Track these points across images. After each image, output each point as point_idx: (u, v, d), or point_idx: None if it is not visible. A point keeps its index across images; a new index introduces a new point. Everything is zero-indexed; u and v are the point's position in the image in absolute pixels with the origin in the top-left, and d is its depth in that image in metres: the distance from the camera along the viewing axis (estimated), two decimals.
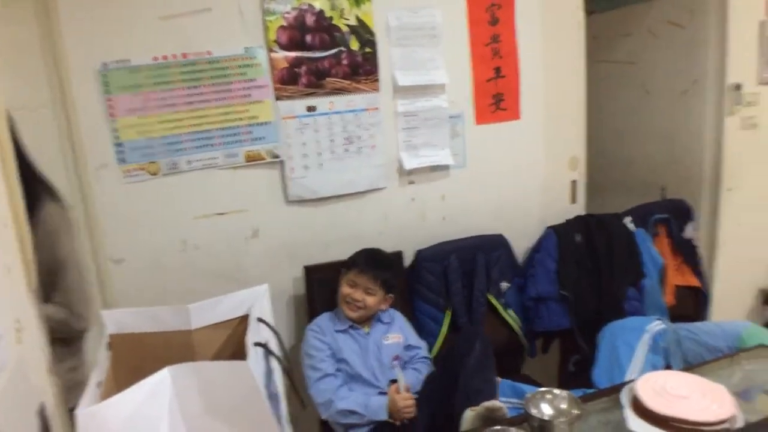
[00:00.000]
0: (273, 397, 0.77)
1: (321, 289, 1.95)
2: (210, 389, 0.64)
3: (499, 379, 1.91)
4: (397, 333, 1.88)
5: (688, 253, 2.46)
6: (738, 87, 2.65)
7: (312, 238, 2.02)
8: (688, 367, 1.72)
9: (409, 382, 1.76)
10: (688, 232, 2.47)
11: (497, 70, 2.18)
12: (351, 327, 1.83)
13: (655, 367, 1.92)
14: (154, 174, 1.80)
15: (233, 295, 0.82)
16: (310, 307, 1.97)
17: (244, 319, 0.76)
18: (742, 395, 1.52)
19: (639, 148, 3.10)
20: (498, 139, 2.22)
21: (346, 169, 2.01)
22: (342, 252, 2.02)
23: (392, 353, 1.84)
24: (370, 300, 1.81)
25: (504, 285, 2.14)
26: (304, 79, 1.90)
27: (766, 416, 1.24)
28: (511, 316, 2.13)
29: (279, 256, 1.99)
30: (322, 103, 1.94)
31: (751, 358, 1.70)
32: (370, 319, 1.86)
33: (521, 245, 2.31)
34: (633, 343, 1.99)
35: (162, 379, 0.63)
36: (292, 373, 0.80)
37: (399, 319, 1.94)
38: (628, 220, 2.33)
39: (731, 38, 2.59)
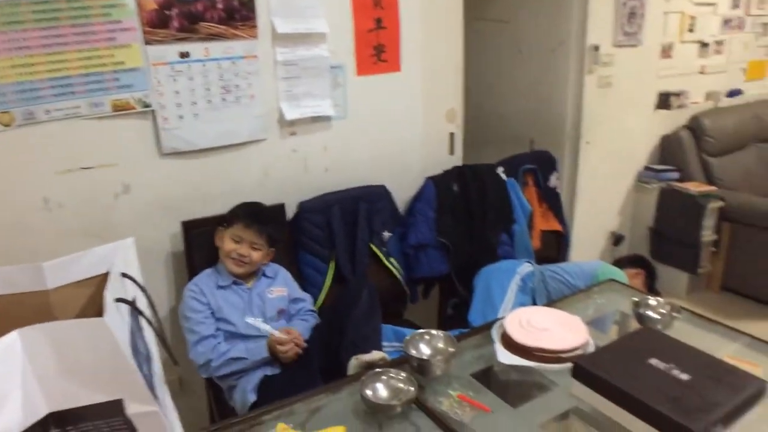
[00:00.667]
0: (144, 356, 0.75)
1: (200, 244, 1.88)
2: (67, 351, 0.60)
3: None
4: (281, 286, 1.88)
5: (552, 201, 2.69)
6: (596, 48, 2.88)
7: (189, 192, 1.93)
8: (551, 302, 1.90)
9: (300, 332, 1.77)
10: (553, 181, 2.70)
11: (378, 21, 2.17)
12: (234, 282, 1.80)
13: (523, 306, 2.09)
14: (7, 125, 1.60)
15: (94, 251, 0.76)
16: (189, 264, 1.90)
17: (108, 276, 0.72)
18: (594, 324, 1.73)
19: (511, 103, 3.29)
20: (379, 91, 2.24)
21: (224, 119, 1.92)
22: (221, 206, 1.95)
23: (277, 307, 1.83)
24: (256, 255, 1.78)
25: (386, 234, 2.20)
26: (175, 23, 1.76)
27: (612, 341, 1.41)
28: (393, 264, 2.20)
29: (154, 212, 1.88)
30: (196, 49, 1.82)
31: (603, 292, 1.92)
32: (253, 274, 1.84)
33: (402, 195, 2.38)
34: (505, 284, 2.16)
35: (11, 343, 0.57)
36: (162, 330, 0.77)
37: (282, 272, 1.93)
38: (500, 170, 2.49)
39: (591, 2, 2.79)
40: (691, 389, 1.17)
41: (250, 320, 1.73)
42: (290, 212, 2.11)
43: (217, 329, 1.73)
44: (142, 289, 0.76)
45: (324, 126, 2.15)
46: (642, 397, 1.15)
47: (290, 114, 2.03)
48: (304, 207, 2.07)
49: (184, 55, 1.80)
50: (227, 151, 1.97)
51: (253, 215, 1.81)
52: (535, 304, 2.15)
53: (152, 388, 0.70)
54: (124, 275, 0.74)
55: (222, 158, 1.96)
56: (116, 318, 0.64)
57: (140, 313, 0.72)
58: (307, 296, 1.95)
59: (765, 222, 3.06)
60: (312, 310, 1.94)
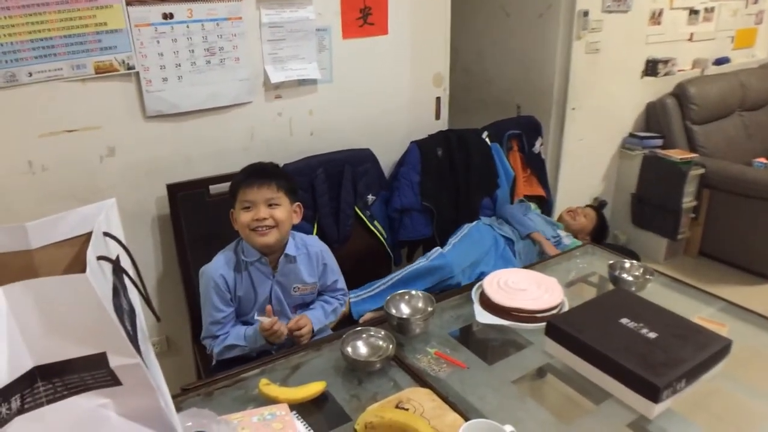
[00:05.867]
0: (127, 312, 0.77)
1: (186, 207, 1.90)
2: (50, 307, 0.62)
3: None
4: (312, 280, 1.65)
5: (536, 166, 2.72)
6: (586, 13, 2.86)
7: (174, 155, 1.94)
8: (529, 264, 1.95)
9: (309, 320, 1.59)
10: (537, 146, 2.72)
11: None
12: (259, 260, 1.57)
13: (480, 232, 2.27)
14: None
15: (77, 211, 0.78)
16: (175, 226, 1.92)
17: (90, 236, 0.74)
18: (570, 285, 1.78)
19: (498, 68, 3.28)
20: (365, 54, 2.22)
21: (209, 82, 1.91)
22: (206, 169, 1.97)
23: (297, 302, 1.66)
24: (279, 213, 1.51)
25: (370, 197, 2.23)
26: None
27: (586, 301, 1.46)
28: (376, 228, 2.23)
29: (139, 175, 1.89)
30: (179, 10, 1.79)
31: (582, 256, 1.97)
32: (278, 251, 1.59)
33: (388, 159, 2.39)
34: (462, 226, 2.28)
35: None
36: (144, 288, 0.80)
37: (315, 251, 1.65)
38: (485, 135, 2.50)
39: None
40: (657, 347, 1.22)
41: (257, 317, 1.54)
42: None
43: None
44: (125, 248, 0.78)
45: (310, 89, 2.14)
46: (610, 353, 1.20)
47: (275, 77, 2.03)
48: (288, 169, 2.08)
49: (167, 16, 1.78)
50: (212, 114, 1.96)
51: (255, 171, 1.55)
52: (503, 237, 2.29)
53: (135, 342, 0.73)
54: (107, 234, 0.76)
55: (207, 121, 1.96)
56: (98, 275, 0.67)
57: (123, 270, 0.75)
58: (338, 276, 1.74)
59: (743, 189, 3.11)
60: (341, 290, 1.76)
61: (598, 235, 2.53)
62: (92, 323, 0.64)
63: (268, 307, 1.52)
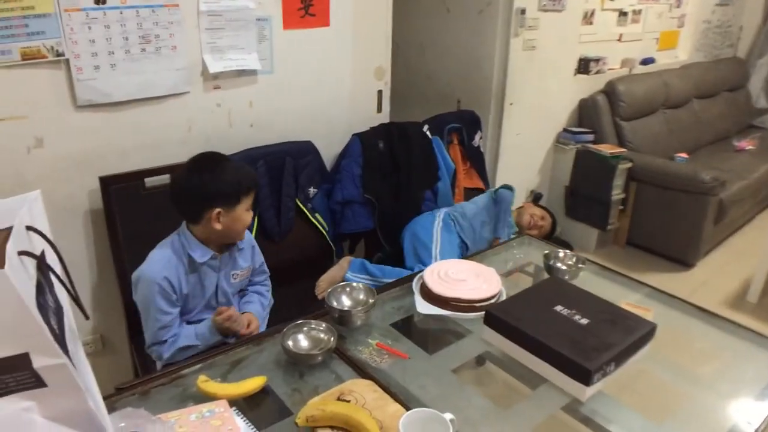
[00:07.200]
0: (53, 310, 0.74)
1: (120, 200, 1.82)
2: None
3: (350, 258, 2.15)
4: (247, 265, 1.68)
5: (475, 159, 2.78)
6: (523, 11, 2.94)
7: (107, 146, 1.85)
8: (469, 255, 2.00)
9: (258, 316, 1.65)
10: (477, 140, 2.78)
11: None
12: (213, 257, 1.56)
13: (452, 244, 2.22)
14: None
15: None
16: (108, 221, 1.84)
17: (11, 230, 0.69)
18: (507, 275, 1.84)
19: (439, 63, 3.32)
20: (307, 46, 2.20)
21: (144, 70, 1.83)
22: (141, 161, 1.89)
23: (236, 289, 1.68)
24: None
25: (312, 190, 2.21)
26: None
27: (522, 289, 1.51)
28: (318, 221, 2.22)
29: (69, 167, 1.80)
30: None
31: (520, 245, 2.04)
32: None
33: (329, 152, 2.37)
34: (429, 228, 2.27)
35: None
36: (72, 284, 0.76)
37: (248, 238, 1.71)
38: (426, 129, 2.53)
39: None
40: (589, 332, 1.28)
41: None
42: None
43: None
44: (50, 242, 0.73)
45: (250, 80, 2.10)
46: (545, 340, 1.25)
47: (214, 67, 1.97)
48: None
49: (99, 1, 1.69)
50: (148, 104, 1.89)
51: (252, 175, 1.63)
52: (463, 242, 2.29)
53: (62, 342, 0.69)
54: (30, 228, 0.72)
55: (142, 111, 1.89)
56: (19, 271, 0.63)
57: (47, 266, 0.71)
58: (262, 256, 1.77)
59: (666, 182, 3.30)
60: (266, 273, 1.79)
61: (552, 231, 2.63)
62: (13, 322, 0.60)
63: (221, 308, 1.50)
